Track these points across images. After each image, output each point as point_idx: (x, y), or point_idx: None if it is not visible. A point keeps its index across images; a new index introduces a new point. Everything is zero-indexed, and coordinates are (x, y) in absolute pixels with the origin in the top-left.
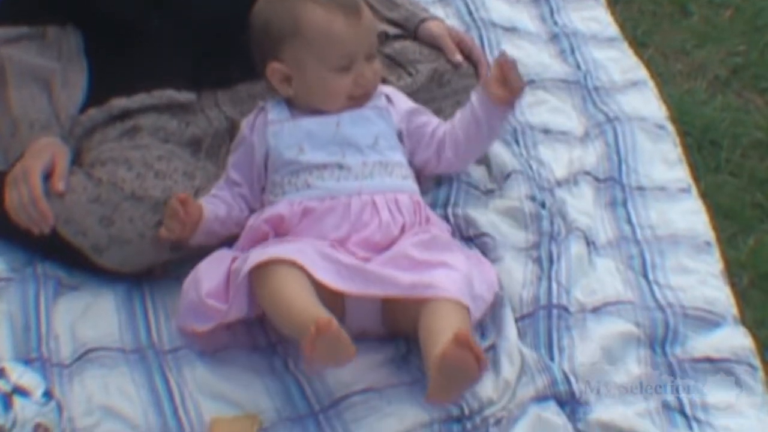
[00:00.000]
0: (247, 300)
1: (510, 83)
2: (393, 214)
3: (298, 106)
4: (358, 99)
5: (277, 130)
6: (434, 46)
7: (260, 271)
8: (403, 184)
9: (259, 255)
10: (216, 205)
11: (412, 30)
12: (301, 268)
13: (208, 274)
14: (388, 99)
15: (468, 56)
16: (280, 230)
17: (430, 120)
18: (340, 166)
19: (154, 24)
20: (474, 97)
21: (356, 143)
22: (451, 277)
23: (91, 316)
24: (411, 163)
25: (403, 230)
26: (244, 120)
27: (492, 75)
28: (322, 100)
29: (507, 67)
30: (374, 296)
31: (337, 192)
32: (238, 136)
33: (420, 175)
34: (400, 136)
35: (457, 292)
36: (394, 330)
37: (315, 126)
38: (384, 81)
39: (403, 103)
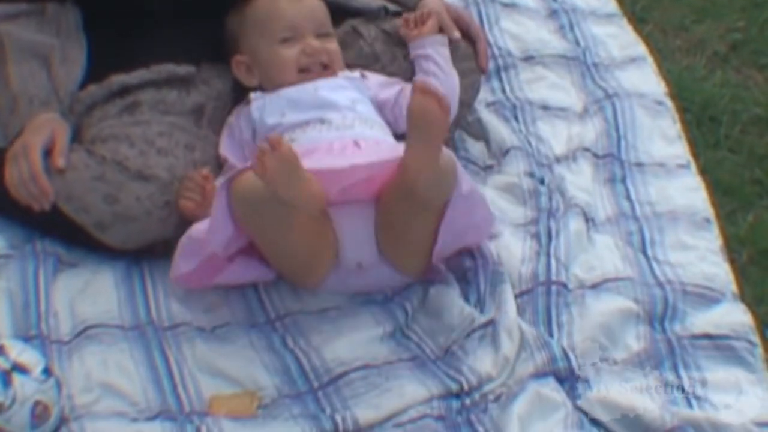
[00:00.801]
0: (232, 224)
1: (420, 20)
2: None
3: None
4: (312, 72)
5: (259, 104)
6: None
7: (238, 183)
8: (386, 138)
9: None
10: None
11: (411, 7)
12: None
13: (200, 224)
14: (363, 75)
15: (466, 32)
16: None
17: (404, 84)
18: (322, 121)
19: (153, 0)
20: (413, 51)
21: (335, 104)
22: None
23: (90, 293)
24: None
25: None
26: (229, 116)
27: (408, 32)
28: (277, 74)
29: (414, 16)
30: (358, 166)
31: (320, 140)
32: (225, 126)
33: None
34: (377, 104)
35: None
36: (390, 258)
37: (294, 93)
38: (377, 60)
39: (376, 77)
